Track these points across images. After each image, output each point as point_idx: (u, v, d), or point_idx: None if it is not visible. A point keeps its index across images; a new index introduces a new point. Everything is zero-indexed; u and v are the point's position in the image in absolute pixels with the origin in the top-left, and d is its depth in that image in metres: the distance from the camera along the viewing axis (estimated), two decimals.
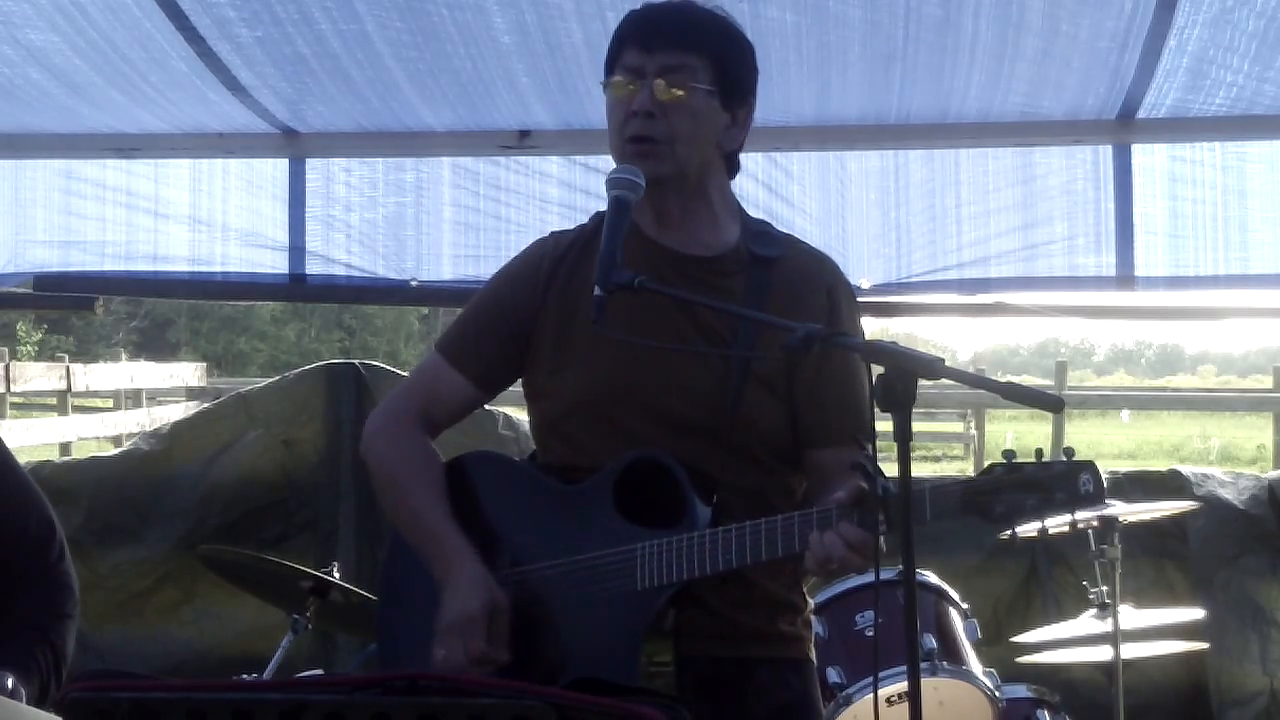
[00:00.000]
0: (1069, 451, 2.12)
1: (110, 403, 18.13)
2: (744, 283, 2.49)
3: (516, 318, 2.56)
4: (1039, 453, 2.12)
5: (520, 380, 2.63)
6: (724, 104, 2.48)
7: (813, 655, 2.62)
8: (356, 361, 5.40)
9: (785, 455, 2.50)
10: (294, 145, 4.53)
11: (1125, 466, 5.83)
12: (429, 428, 2.61)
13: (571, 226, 2.67)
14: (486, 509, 2.53)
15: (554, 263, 2.58)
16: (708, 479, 2.39)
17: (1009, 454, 2.12)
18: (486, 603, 2.39)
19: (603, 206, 2.41)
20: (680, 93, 2.42)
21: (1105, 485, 2.10)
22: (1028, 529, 2.23)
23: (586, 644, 2.38)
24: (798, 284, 2.51)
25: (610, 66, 2.50)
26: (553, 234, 2.67)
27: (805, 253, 2.61)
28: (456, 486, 2.55)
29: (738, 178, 2.63)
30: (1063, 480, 2.07)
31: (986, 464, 2.15)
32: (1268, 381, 17.97)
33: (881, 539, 2.20)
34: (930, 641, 3.63)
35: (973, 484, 2.14)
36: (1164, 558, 4.99)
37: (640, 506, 2.37)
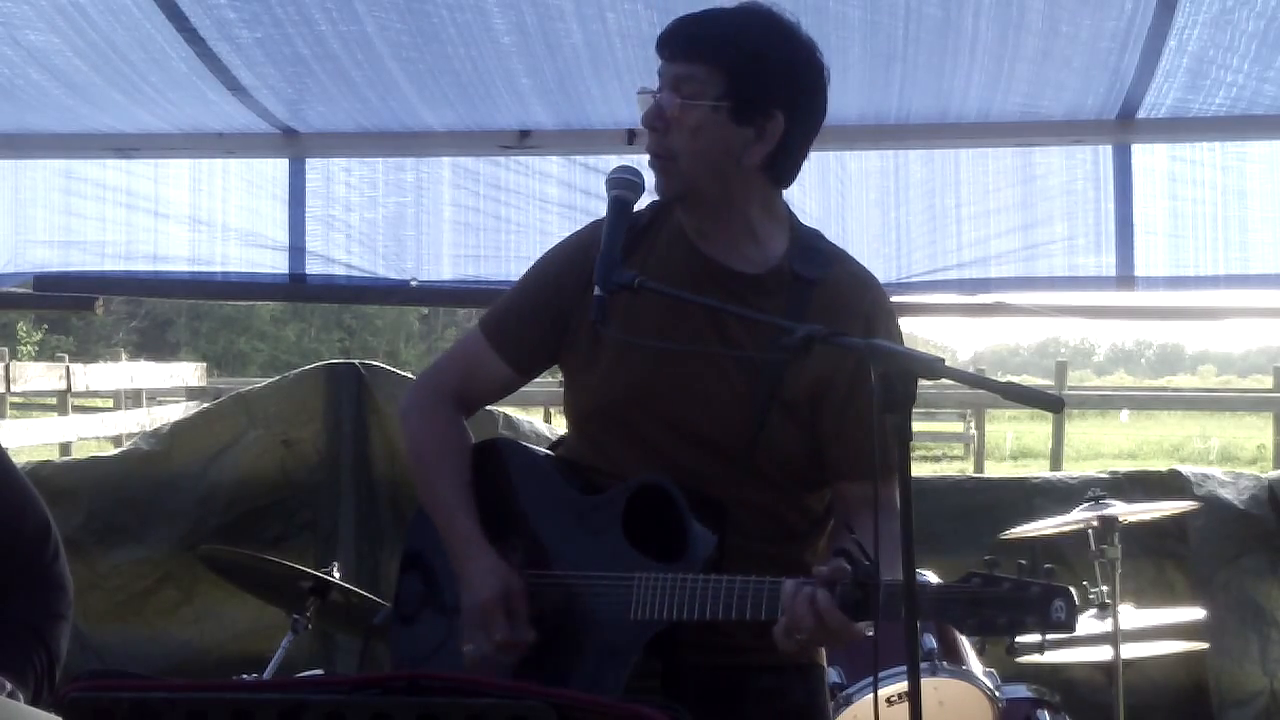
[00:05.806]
0: (1049, 571, 2.10)
1: (110, 403, 18.14)
2: (783, 303, 2.40)
3: (560, 301, 2.52)
4: (1020, 567, 2.10)
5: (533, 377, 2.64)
6: (737, 118, 2.35)
7: (823, 660, 2.59)
8: (357, 361, 5.40)
9: (801, 478, 2.47)
10: (294, 145, 4.52)
11: (1125, 466, 5.81)
12: (464, 406, 2.62)
13: (572, 227, 2.66)
14: (505, 503, 2.53)
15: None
16: (717, 504, 2.35)
17: (992, 562, 2.11)
18: (500, 590, 2.39)
19: (629, 207, 2.35)
20: (681, 107, 2.34)
21: (1078, 609, 2.08)
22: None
23: (578, 659, 2.39)
24: (836, 309, 2.39)
25: None
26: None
27: (849, 273, 2.50)
28: (482, 470, 2.55)
29: None
30: (1036, 605, 2.05)
31: (966, 571, 2.13)
32: (1268, 381, 18.00)
33: (862, 625, 2.16)
34: (930, 641, 3.63)
35: (948, 591, 2.14)
36: (1164, 558, 4.99)
37: (649, 527, 2.36)
